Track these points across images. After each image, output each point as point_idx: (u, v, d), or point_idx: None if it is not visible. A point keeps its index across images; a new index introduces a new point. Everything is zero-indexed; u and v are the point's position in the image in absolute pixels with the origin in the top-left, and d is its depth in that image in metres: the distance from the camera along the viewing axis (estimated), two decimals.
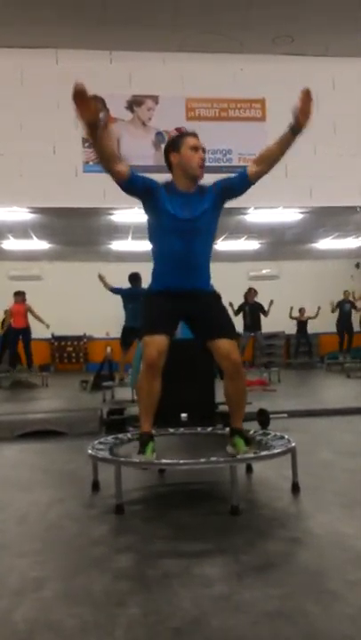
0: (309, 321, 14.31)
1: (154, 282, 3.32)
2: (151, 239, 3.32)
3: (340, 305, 13.85)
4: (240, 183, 3.32)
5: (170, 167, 3.29)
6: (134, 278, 8.46)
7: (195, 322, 3.32)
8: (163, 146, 6.33)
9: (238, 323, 12.00)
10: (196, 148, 3.20)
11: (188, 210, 3.17)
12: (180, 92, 6.54)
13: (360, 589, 2.02)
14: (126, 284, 8.59)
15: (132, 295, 8.27)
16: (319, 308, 13.56)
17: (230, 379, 3.22)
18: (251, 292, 11.64)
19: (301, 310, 14.31)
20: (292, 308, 13.69)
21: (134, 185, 3.18)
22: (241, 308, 11.47)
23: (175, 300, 3.19)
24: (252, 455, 3.20)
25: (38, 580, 2.17)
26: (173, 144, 3.27)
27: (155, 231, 3.29)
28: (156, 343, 3.08)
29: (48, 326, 11.44)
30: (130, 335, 8.14)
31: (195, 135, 3.29)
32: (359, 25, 6.03)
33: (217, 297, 3.37)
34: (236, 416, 3.32)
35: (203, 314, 3.27)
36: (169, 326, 3.20)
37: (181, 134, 3.31)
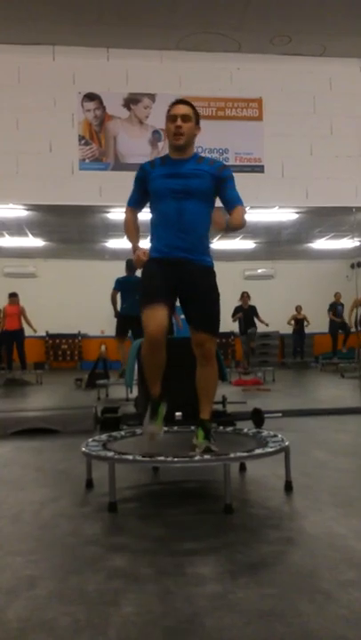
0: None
1: (152, 251, 3.32)
2: (151, 208, 3.35)
3: (332, 307, 13.96)
4: (226, 199, 3.36)
5: None
6: (130, 266, 8.41)
7: (185, 300, 3.31)
8: (160, 144, 6.40)
9: (231, 324, 12.14)
10: (173, 118, 3.22)
11: (179, 169, 3.22)
12: (177, 91, 6.51)
13: (353, 589, 2.03)
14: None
15: (127, 284, 8.26)
16: (308, 324, 14.06)
17: (200, 365, 3.27)
18: (245, 297, 11.99)
19: (298, 308, 14.37)
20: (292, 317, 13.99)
21: (139, 202, 3.41)
22: (236, 313, 11.80)
23: (170, 269, 3.19)
24: (246, 454, 3.20)
25: (31, 578, 2.17)
26: (166, 116, 3.32)
27: (152, 201, 3.31)
28: (156, 317, 3.08)
29: (35, 331, 11.64)
30: (125, 325, 8.16)
31: (178, 102, 3.30)
32: (356, 26, 6.03)
33: (211, 274, 3.32)
34: (203, 405, 3.30)
35: (193, 295, 3.25)
36: (167, 296, 3.19)
37: (170, 105, 3.33)
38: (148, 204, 3.39)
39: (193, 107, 3.29)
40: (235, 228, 3.28)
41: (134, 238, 3.39)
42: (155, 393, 3.25)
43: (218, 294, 3.32)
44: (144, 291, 3.23)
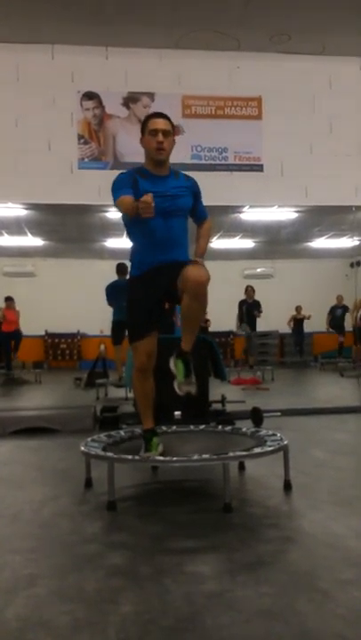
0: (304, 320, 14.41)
1: (133, 269, 3.32)
2: (131, 226, 3.28)
3: (332, 310, 14.01)
4: (198, 214, 3.40)
5: None
6: (120, 270, 8.38)
7: (173, 287, 3.15)
8: None
9: (231, 323, 12.11)
10: (155, 132, 3.19)
11: (165, 187, 3.20)
12: (176, 90, 6.52)
13: (351, 588, 2.03)
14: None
15: (117, 289, 8.22)
16: (309, 317, 13.89)
17: (191, 297, 2.99)
18: (249, 291, 11.79)
19: (298, 308, 14.38)
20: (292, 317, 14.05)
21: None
22: (241, 306, 11.62)
23: (155, 279, 3.18)
24: (245, 453, 3.21)
25: (31, 577, 2.17)
26: (141, 128, 3.29)
27: (135, 220, 3.11)
28: (145, 347, 3.24)
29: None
30: (120, 330, 8.15)
31: (158, 116, 3.27)
32: (356, 24, 6.03)
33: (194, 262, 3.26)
34: (185, 334, 3.15)
35: (176, 272, 3.12)
36: (154, 321, 3.28)
37: (146, 117, 3.31)
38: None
39: (170, 120, 3.28)
40: (204, 251, 3.37)
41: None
42: (147, 425, 3.28)
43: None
44: (132, 320, 3.33)
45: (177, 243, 3.25)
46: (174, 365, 3.13)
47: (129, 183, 3.19)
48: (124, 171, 3.35)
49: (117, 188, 3.18)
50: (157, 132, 3.18)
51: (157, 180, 3.23)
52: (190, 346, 3.17)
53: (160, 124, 3.21)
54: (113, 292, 8.36)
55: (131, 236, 3.35)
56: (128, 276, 3.45)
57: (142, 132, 3.27)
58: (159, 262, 3.20)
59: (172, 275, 3.10)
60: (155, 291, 3.21)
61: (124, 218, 3.31)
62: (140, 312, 3.28)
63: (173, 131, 3.28)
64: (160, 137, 3.18)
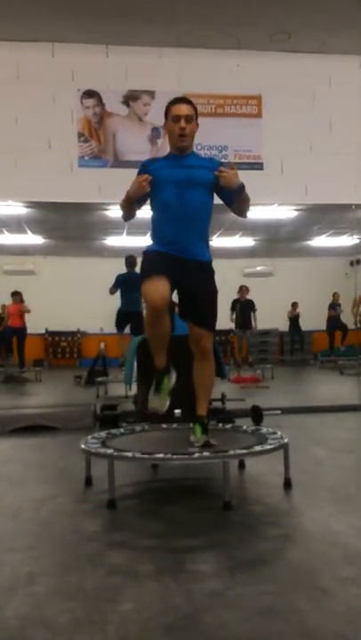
0: (304, 317, 14.40)
1: (154, 243, 3.30)
2: (151, 204, 3.32)
3: (331, 308, 14.02)
4: (226, 196, 3.33)
5: None
6: (130, 262, 8.39)
7: (183, 294, 3.29)
8: (159, 141, 6.39)
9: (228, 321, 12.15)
10: (177, 118, 3.21)
11: (182, 161, 3.25)
12: (176, 88, 6.49)
13: (351, 586, 2.03)
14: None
15: (128, 280, 8.25)
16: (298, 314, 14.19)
17: (197, 360, 3.27)
18: (243, 290, 11.85)
19: (294, 305, 14.39)
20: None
21: (141, 198, 3.30)
22: (234, 305, 11.65)
23: (171, 262, 3.16)
24: (245, 451, 3.21)
25: (31, 575, 2.17)
26: (165, 113, 3.32)
27: (153, 194, 3.25)
28: (158, 287, 3.05)
29: (29, 311, 12.16)
30: (124, 321, 8.18)
31: (180, 101, 3.29)
32: (356, 22, 6.02)
33: (209, 271, 3.30)
34: (200, 402, 3.30)
35: (191, 290, 3.24)
36: (168, 272, 3.13)
37: (169, 103, 3.31)
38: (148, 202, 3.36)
39: (193, 104, 3.29)
40: (245, 195, 3.24)
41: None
42: (160, 364, 3.19)
43: (216, 290, 3.32)
44: (145, 267, 3.20)
45: (192, 217, 3.20)
46: (193, 432, 3.25)
47: (143, 169, 3.29)
48: (147, 159, 3.42)
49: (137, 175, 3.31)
50: (180, 117, 3.21)
51: (175, 157, 3.29)
52: (205, 410, 3.30)
53: (183, 109, 3.22)
54: (124, 283, 8.39)
55: (152, 216, 3.34)
56: (146, 252, 3.35)
57: (165, 117, 3.30)
58: (173, 253, 3.15)
59: (184, 274, 3.15)
60: (170, 266, 3.15)
61: (150, 204, 3.33)
62: (154, 259, 3.19)
63: (196, 114, 3.28)
64: (182, 123, 3.20)
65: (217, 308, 3.32)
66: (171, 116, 3.24)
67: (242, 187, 3.18)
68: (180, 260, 3.18)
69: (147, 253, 3.30)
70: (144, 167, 3.32)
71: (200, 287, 3.26)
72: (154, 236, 3.31)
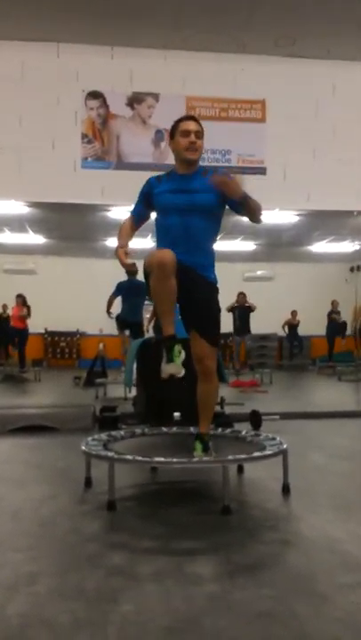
0: (303, 323, 14.47)
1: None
2: (156, 228, 3.32)
3: (330, 315, 14.08)
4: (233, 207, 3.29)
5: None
6: (131, 270, 8.42)
7: (185, 308, 3.24)
8: (162, 144, 6.41)
9: (228, 324, 12.18)
10: (187, 133, 3.22)
11: (185, 185, 3.21)
12: (180, 91, 6.54)
13: (349, 592, 2.04)
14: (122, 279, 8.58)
15: (130, 288, 8.27)
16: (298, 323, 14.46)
17: (201, 381, 3.22)
18: (241, 296, 12.04)
19: (293, 313, 14.44)
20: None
21: (142, 215, 3.39)
22: (232, 309, 11.81)
23: (178, 263, 3.04)
24: (244, 456, 3.22)
25: (31, 575, 2.18)
26: (171, 132, 3.32)
27: (157, 216, 3.30)
28: (165, 251, 2.99)
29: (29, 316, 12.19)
30: (123, 326, 8.21)
31: (188, 119, 3.31)
32: None
33: (214, 289, 3.28)
34: (202, 419, 3.27)
35: (195, 305, 3.20)
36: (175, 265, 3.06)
37: (177, 121, 3.32)
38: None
39: (200, 123, 3.30)
40: (252, 205, 3.14)
41: (123, 239, 3.32)
42: (168, 330, 3.04)
43: (219, 310, 3.30)
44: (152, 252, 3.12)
45: (196, 245, 3.18)
46: (194, 448, 3.20)
47: (142, 198, 3.35)
48: (154, 175, 3.39)
49: (136, 202, 3.38)
50: (190, 132, 3.21)
51: (179, 177, 3.26)
52: (207, 429, 3.29)
53: (192, 125, 3.24)
54: (126, 290, 8.42)
55: (156, 239, 3.34)
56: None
57: (172, 135, 3.28)
58: (178, 260, 3.04)
59: (188, 285, 3.08)
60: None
61: (155, 226, 3.34)
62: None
63: (203, 134, 3.27)
64: (192, 137, 3.21)
65: (220, 327, 3.29)
66: (179, 131, 3.22)
67: (245, 197, 3.09)
68: (185, 272, 3.08)
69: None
70: (149, 186, 3.32)
71: (205, 296, 3.22)
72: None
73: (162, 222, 3.27)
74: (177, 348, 3.02)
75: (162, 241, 3.26)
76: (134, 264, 3.42)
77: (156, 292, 3.02)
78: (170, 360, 3.01)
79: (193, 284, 3.15)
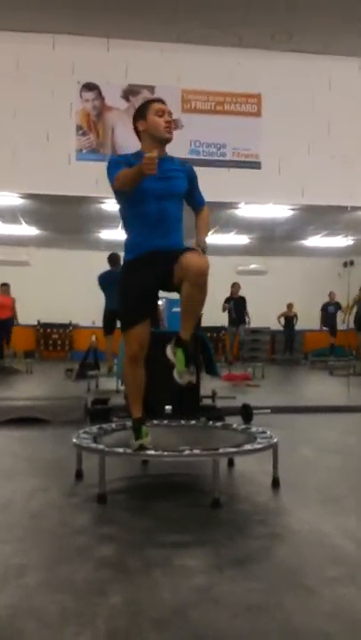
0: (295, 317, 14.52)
1: (128, 252, 3.25)
2: (125, 210, 3.25)
3: (325, 307, 14.06)
4: (195, 200, 3.39)
5: (138, 136, 3.29)
6: (113, 260, 8.39)
7: (170, 275, 3.11)
8: None
9: (223, 318, 12.20)
10: (162, 112, 3.20)
11: (159, 170, 3.01)
12: (176, 84, 6.52)
13: (337, 586, 2.06)
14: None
15: (110, 279, 8.22)
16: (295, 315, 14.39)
17: (192, 285, 2.96)
18: (235, 287, 11.91)
19: (289, 306, 14.45)
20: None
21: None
22: (227, 302, 11.80)
23: (150, 264, 3.11)
24: (234, 449, 3.23)
25: (20, 567, 2.19)
26: (139, 112, 3.26)
27: (128, 200, 3.17)
28: (138, 335, 3.19)
29: (17, 322, 12.19)
30: (112, 320, 8.15)
31: (160, 101, 3.30)
32: (357, 25, 6.05)
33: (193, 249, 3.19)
34: (186, 325, 3.11)
35: (176, 260, 3.07)
36: (148, 307, 3.28)
37: (146, 101, 3.31)
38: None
39: None
40: (205, 241, 3.28)
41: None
42: (137, 414, 3.25)
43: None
44: (124, 306, 3.24)
45: (171, 227, 3.20)
46: (173, 354, 3.08)
47: (124, 163, 3.14)
48: (119, 155, 3.34)
49: (114, 167, 3.14)
50: (164, 112, 3.20)
51: None
52: (189, 335, 3.12)
53: (164, 106, 3.23)
54: (106, 282, 8.35)
55: (125, 221, 3.29)
56: (122, 262, 3.34)
57: (142, 116, 3.21)
58: (155, 247, 3.12)
59: (168, 262, 3.05)
60: (150, 277, 3.14)
61: (120, 202, 3.25)
62: (133, 298, 3.20)
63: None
64: (167, 117, 3.19)
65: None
66: (153, 110, 3.19)
67: (204, 247, 3.20)
68: (160, 253, 3.09)
69: (124, 273, 3.26)
70: (127, 159, 3.18)
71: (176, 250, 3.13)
72: (130, 244, 3.25)
73: (135, 210, 3.18)
74: (144, 429, 3.20)
75: (136, 229, 3.22)
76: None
77: (128, 380, 3.38)
78: (138, 439, 3.17)
79: (174, 258, 3.05)
